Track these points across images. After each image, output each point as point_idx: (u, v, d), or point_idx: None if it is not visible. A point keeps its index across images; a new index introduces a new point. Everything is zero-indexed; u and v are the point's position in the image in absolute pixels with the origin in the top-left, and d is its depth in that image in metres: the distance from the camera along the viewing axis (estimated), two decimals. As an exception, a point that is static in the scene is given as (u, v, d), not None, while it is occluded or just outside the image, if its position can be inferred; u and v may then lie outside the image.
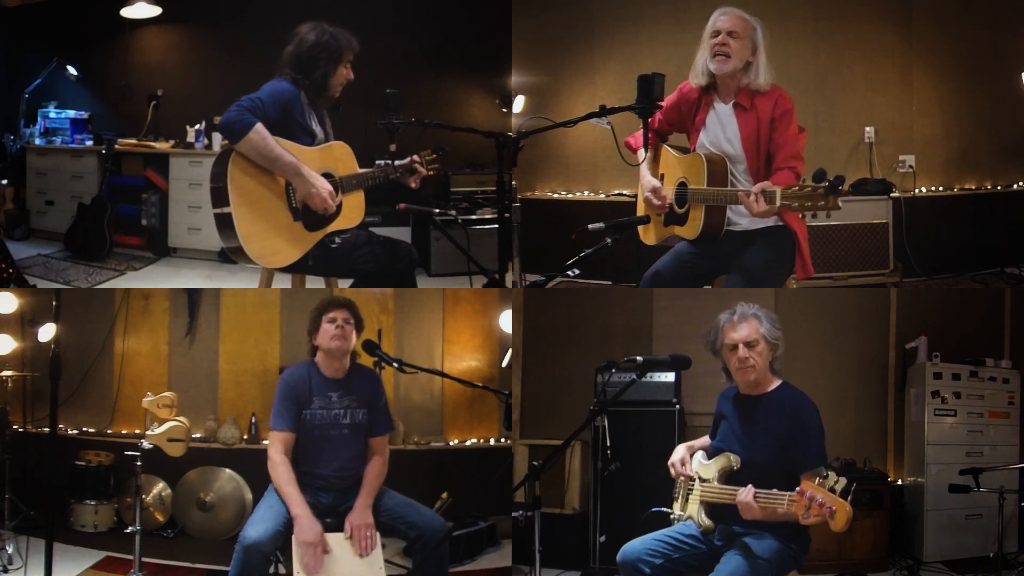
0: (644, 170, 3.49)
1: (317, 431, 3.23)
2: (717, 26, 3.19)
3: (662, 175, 3.49)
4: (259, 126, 3.07)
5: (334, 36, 3.34)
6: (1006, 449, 4.60)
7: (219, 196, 3.11)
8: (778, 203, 2.92)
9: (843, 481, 2.44)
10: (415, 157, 3.59)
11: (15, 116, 6.63)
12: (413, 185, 3.57)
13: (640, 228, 3.56)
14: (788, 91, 3.26)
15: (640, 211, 3.56)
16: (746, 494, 2.61)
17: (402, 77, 3.87)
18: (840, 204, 2.84)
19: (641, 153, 3.45)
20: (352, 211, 3.43)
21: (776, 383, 2.85)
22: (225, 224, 3.11)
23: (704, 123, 3.31)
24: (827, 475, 2.46)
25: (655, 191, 3.43)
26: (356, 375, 3.34)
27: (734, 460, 2.81)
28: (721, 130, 3.27)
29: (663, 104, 3.42)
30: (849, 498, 2.41)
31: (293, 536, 3.01)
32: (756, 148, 3.20)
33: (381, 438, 3.37)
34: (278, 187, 3.22)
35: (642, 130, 3.30)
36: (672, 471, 3.02)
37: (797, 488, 2.49)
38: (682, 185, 3.36)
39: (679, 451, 3.05)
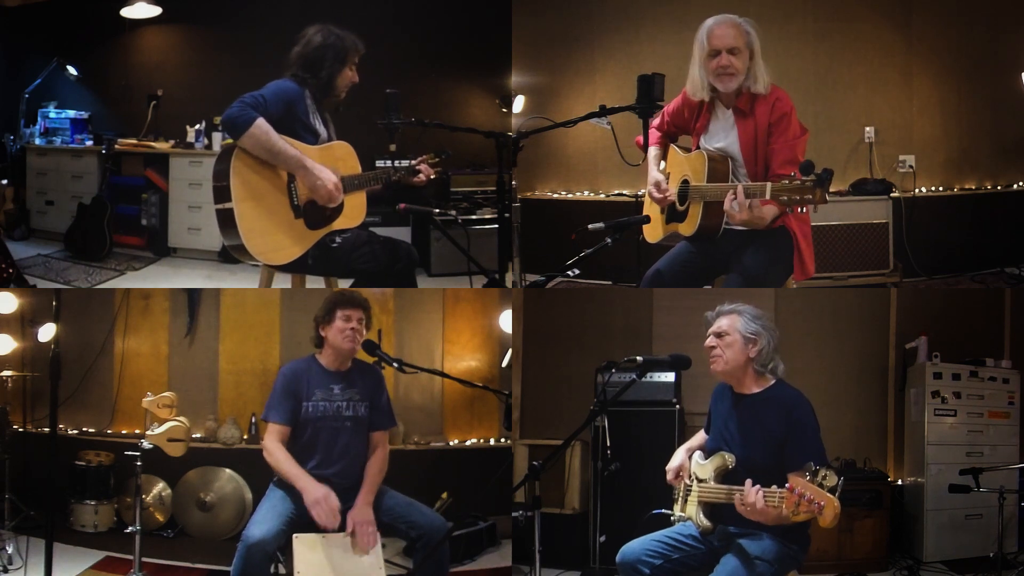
0: (651, 165, 3.50)
1: (320, 422, 3.23)
2: (714, 44, 3.12)
3: (668, 173, 3.50)
4: (261, 120, 3.08)
5: (340, 37, 3.36)
6: (1006, 449, 4.60)
7: (222, 193, 3.11)
8: (768, 195, 2.92)
9: (832, 476, 2.44)
10: (423, 157, 3.60)
11: (15, 116, 6.63)
12: (416, 182, 3.57)
13: (644, 226, 3.57)
14: (788, 91, 3.24)
15: (647, 208, 3.57)
16: (754, 495, 2.57)
17: (402, 77, 3.88)
18: (828, 198, 2.83)
19: (652, 151, 3.47)
20: (354, 211, 3.43)
21: (770, 382, 2.85)
22: (227, 220, 3.11)
23: (706, 128, 3.31)
24: (816, 470, 2.46)
25: (657, 184, 3.43)
26: (358, 370, 3.35)
27: (729, 460, 2.81)
28: (723, 135, 3.27)
29: (667, 106, 3.43)
30: (837, 494, 2.41)
31: (294, 536, 3.01)
32: (755, 153, 3.20)
33: (382, 433, 3.37)
34: (280, 184, 3.22)
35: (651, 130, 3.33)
36: (669, 477, 3.02)
37: (787, 485, 2.49)
38: (685, 182, 3.37)
39: (677, 457, 3.05)
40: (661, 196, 3.42)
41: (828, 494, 2.40)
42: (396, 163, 3.52)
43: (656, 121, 3.51)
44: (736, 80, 3.14)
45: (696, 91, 3.24)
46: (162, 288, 5.46)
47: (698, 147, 3.35)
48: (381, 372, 3.44)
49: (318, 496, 3.02)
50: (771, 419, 2.75)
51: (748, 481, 2.60)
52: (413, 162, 3.59)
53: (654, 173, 3.47)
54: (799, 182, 2.84)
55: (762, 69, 3.15)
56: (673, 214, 3.44)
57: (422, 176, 3.59)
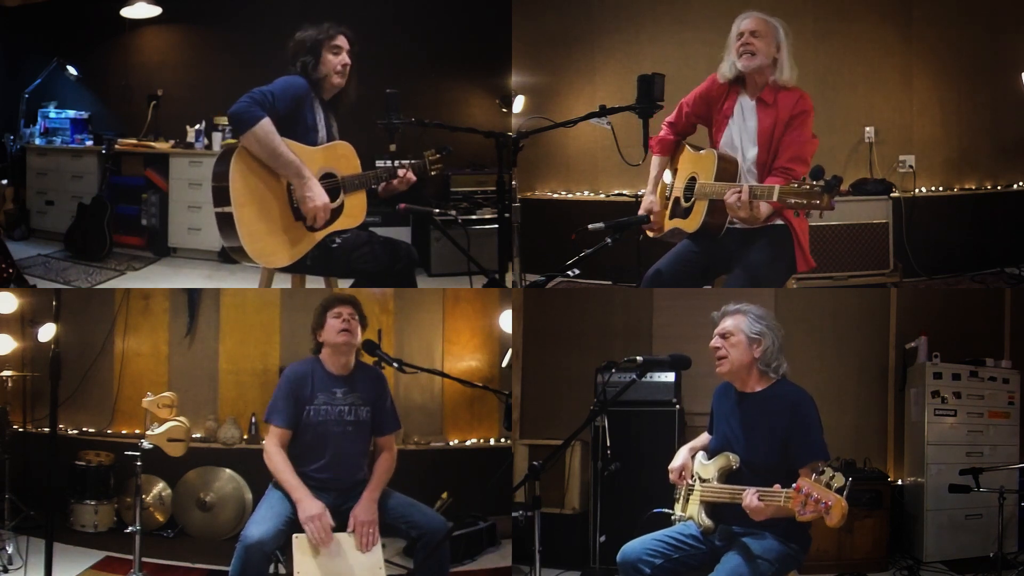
0: (650, 184, 3.55)
1: (321, 427, 3.23)
2: (740, 28, 3.29)
3: (676, 170, 3.51)
4: (266, 121, 3.08)
5: (311, 27, 3.36)
6: (1006, 449, 4.60)
7: (221, 195, 3.11)
8: (775, 198, 2.93)
9: (840, 477, 2.44)
10: (402, 162, 3.59)
11: (15, 116, 6.63)
12: (397, 184, 3.53)
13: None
14: (788, 90, 3.27)
15: (643, 208, 3.58)
16: (752, 498, 2.60)
17: (402, 77, 3.87)
18: (834, 204, 2.85)
19: (655, 160, 3.48)
20: (354, 211, 3.43)
21: (772, 380, 2.85)
22: (226, 223, 3.11)
23: (732, 112, 3.35)
24: (823, 471, 2.47)
25: (649, 210, 3.53)
26: (360, 373, 3.35)
27: (733, 460, 2.81)
28: (743, 122, 3.32)
29: (689, 96, 3.47)
30: (845, 494, 2.41)
31: (293, 536, 3.01)
32: (769, 142, 3.25)
33: (389, 436, 3.38)
34: (280, 187, 3.22)
35: (661, 133, 3.34)
36: (672, 476, 3.03)
37: (794, 484, 2.49)
38: (692, 179, 3.38)
39: (680, 456, 3.05)
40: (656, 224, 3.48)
41: (835, 494, 2.40)
42: (381, 164, 3.49)
43: (671, 117, 3.53)
44: (757, 60, 3.25)
45: (723, 73, 3.36)
46: (162, 288, 5.46)
47: (720, 136, 3.37)
48: (384, 375, 3.44)
49: (313, 513, 3.02)
50: (775, 417, 2.76)
51: (751, 488, 2.62)
52: (404, 162, 3.54)
53: (649, 199, 3.54)
54: (808, 187, 2.85)
55: (788, 63, 3.29)
56: (677, 210, 3.44)
57: (400, 180, 3.52)
